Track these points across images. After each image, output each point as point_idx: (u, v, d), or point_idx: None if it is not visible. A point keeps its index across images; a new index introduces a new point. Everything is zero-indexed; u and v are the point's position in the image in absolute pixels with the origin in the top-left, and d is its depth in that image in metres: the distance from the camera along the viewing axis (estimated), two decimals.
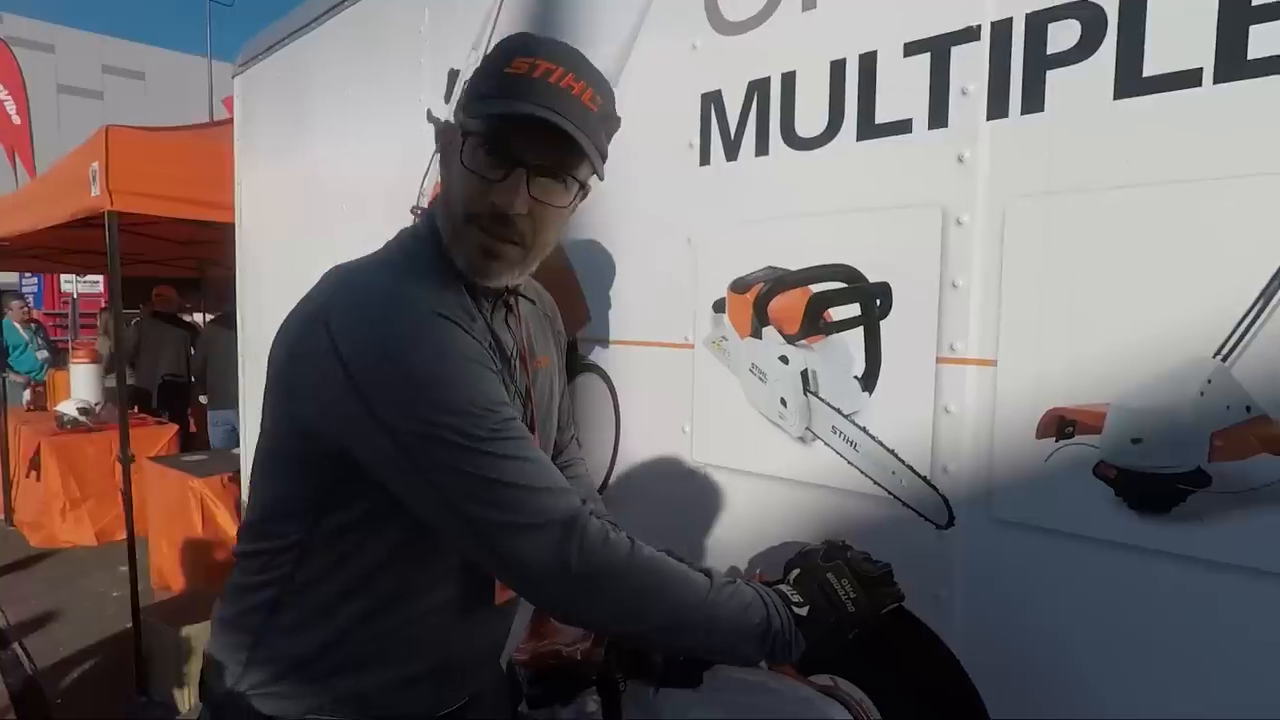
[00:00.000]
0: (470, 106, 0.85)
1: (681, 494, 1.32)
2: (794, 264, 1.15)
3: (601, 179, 0.94)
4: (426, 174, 1.86)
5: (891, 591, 0.86)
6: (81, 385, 5.37)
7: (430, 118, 1.85)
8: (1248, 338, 0.78)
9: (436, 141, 0.92)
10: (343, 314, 0.80)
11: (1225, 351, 0.80)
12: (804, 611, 0.83)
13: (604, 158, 0.92)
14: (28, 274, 12.08)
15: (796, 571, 0.89)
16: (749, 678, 0.94)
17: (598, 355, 1.47)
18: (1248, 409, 0.79)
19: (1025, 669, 0.94)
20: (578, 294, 1.50)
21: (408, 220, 1.92)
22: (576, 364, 1.50)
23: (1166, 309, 0.83)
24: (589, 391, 1.48)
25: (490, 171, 0.83)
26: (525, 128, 0.82)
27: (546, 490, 0.78)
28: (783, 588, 0.86)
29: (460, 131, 0.86)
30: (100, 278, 11.26)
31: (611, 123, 0.91)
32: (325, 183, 2.30)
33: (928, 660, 0.92)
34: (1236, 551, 0.79)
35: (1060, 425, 0.90)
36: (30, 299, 12.01)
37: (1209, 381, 0.81)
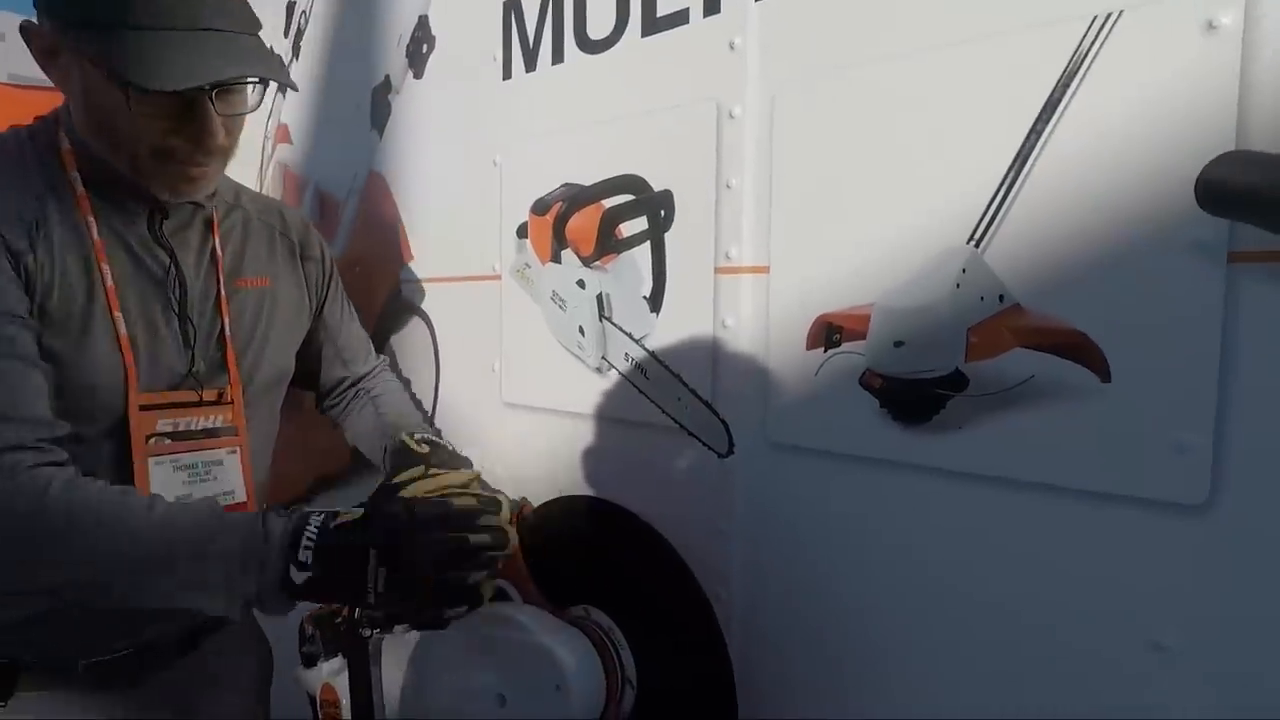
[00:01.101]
0: (110, 37, 0.73)
1: (492, 440, 1.22)
2: (590, 178, 1.05)
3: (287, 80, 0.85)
4: (270, 115, 1.74)
5: (436, 613, 0.71)
6: None
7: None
8: (999, 217, 0.70)
9: (36, 47, 0.80)
10: None
11: (978, 236, 0.71)
12: (301, 579, 0.68)
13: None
14: None
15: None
16: (498, 612, 0.85)
17: (419, 295, 1.36)
18: (1001, 298, 0.70)
19: (796, 611, 0.85)
20: (401, 233, 1.39)
21: (252, 170, 1.80)
22: (399, 308, 1.40)
23: (926, 193, 0.74)
24: (411, 337, 1.38)
25: (170, 112, 0.77)
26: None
27: None
28: (318, 517, 0.72)
29: (105, 73, 0.75)
30: None
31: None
32: None
33: (677, 592, 0.83)
34: (994, 461, 0.71)
35: (828, 333, 0.82)
36: None
37: (964, 271, 0.72)
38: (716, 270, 0.91)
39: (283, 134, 1.71)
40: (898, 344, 0.77)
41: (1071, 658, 0.67)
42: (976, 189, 0.71)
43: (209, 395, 0.92)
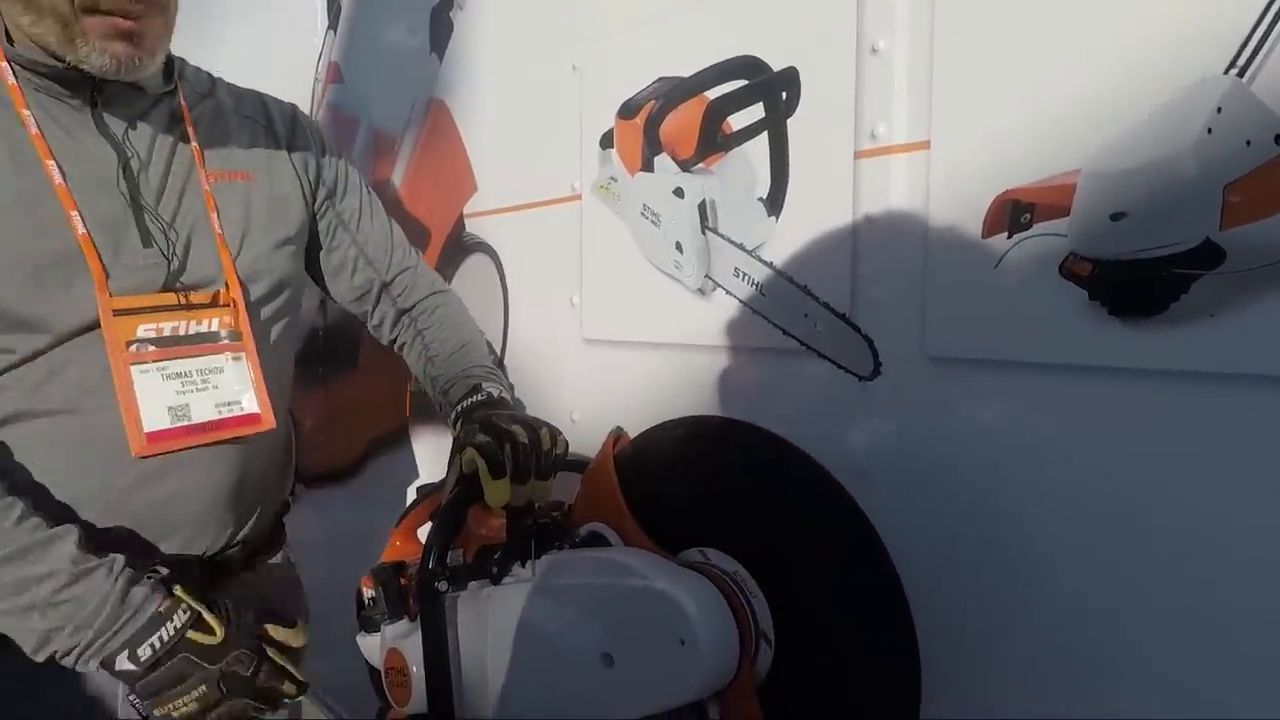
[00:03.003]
0: None
1: (572, 383, 1.08)
2: (691, 70, 0.90)
3: None
4: (320, 55, 1.63)
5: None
6: None
7: None
8: (1275, 33, 0.53)
9: None
10: None
11: (1242, 61, 0.54)
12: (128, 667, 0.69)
13: None
14: None
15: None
16: (598, 556, 0.71)
17: (486, 230, 1.23)
18: (1278, 139, 0.53)
19: (973, 558, 0.69)
20: (465, 163, 1.26)
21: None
22: (464, 246, 1.27)
23: (1154, 24, 0.58)
24: (476, 274, 1.25)
25: None
26: None
27: None
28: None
29: None
30: None
31: None
32: None
33: (834, 527, 0.67)
34: (1270, 357, 0.54)
35: (1013, 213, 0.66)
36: None
37: (1219, 111, 0.55)
38: (857, 154, 0.75)
39: (333, 74, 1.60)
40: (1116, 216, 0.60)
41: None
42: (1235, 4, 0.54)
43: (200, 298, 0.83)
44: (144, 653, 0.70)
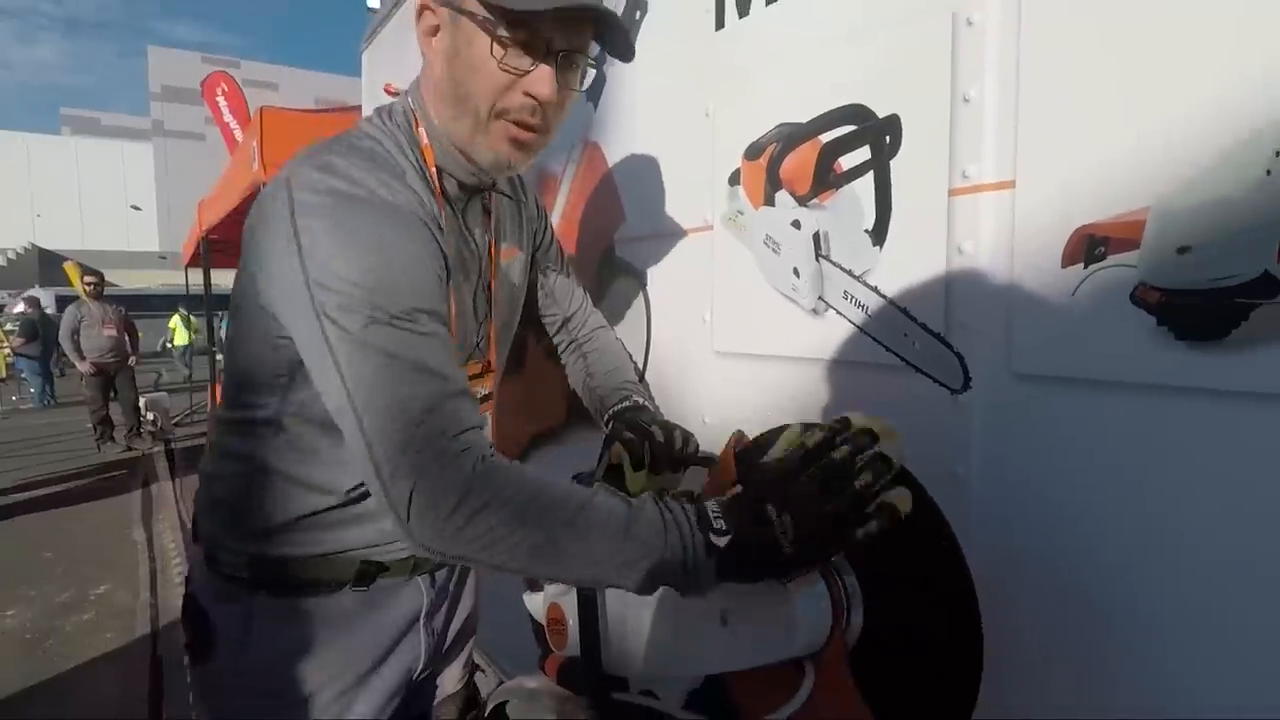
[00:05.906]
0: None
1: (705, 390, 1.23)
2: (808, 116, 1.03)
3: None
4: None
5: (847, 534, 0.66)
6: None
7: None
8: None
9: (421, 26, 0.88)
10: (302, 188, 0.78)
11: None
12: (723, 542, 0.68)
13: None
14: None
15: (737, 489, 0.73)
16: None
17: (632, 254, 1.41)
18: None
19: (1047, 561, 0.77)
20: (615, 194, 1.45)
21: None
22: (614, 268, 1.46)
23: (1222, 72, 0.64)
24: (624, 296, 1.43)
25: (519, 63, 0.82)
26: (569, 19, 0.82)
27: (447, 408, 0.73)
28: (709, 504, 0.71)
29: (477, 19, 0.81)
30: None
31: None
32: None
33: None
34: None
35: (1089, 246, 0.73)
36: None
37: (1277, 155, 0.61)
38: (950, 192, 0.85)
39: None
40: (1182, 250, 0.66)
41: None
42: None
43: (480, 368, 1.03)
44: (717, 524, 0.69)
